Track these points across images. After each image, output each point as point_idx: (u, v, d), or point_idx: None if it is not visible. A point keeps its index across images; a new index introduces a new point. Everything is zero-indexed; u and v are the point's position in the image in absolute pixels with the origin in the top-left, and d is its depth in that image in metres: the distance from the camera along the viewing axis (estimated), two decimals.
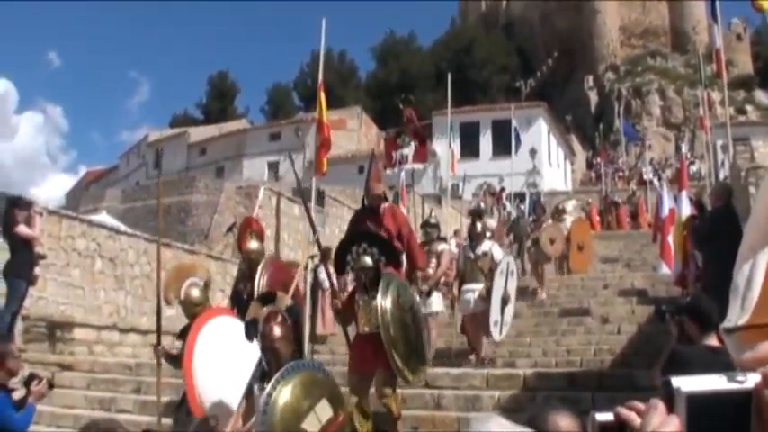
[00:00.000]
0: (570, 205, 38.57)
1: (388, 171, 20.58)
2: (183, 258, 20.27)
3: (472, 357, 14.38)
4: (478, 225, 15.46)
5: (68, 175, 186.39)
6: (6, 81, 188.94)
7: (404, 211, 21.48)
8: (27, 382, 8.32)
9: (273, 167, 61.23)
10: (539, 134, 57.21)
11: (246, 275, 11.58)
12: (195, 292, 9.90)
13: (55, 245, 16.65)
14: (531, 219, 25.22)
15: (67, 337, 14.84)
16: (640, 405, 1.44)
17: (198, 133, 69.95)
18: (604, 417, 1.41)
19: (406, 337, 8.98)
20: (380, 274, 9.19)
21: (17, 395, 8.16)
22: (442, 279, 15.32)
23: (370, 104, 75.37)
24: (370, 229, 11.42)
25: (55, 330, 14.90)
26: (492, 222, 23.25)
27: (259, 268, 11.04)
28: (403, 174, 23.47)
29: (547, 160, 57.86)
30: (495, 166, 50.44)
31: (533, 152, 54.40)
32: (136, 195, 44.02)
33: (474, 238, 15.23)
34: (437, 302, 14.87)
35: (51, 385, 8.52)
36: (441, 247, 15.49)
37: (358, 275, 9.51)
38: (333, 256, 10.11)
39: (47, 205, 17.72)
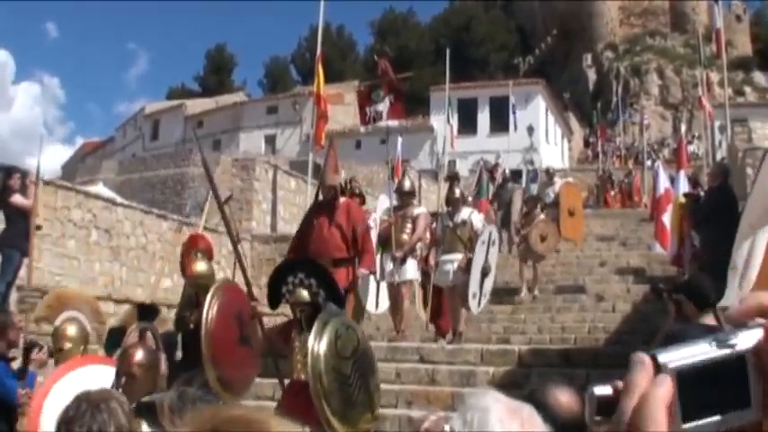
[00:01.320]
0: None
1: (362, 128, 19.85)
2: (180, 230, 20.26)
3: (442, 340, 13.75)
4: (456, 190, 14.75)
5: (65, 147, 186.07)
6: (3, 51, 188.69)
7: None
8: (27, 351, 8.33)
9: (270, 140, 61.15)
10: (536, 111, 57.07)
11: (194, 301, 9.44)
12: (71, 331, 8.50)
13: (50, 215, 16.59)
14: (520, 185, 24.81)
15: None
16: None
17: (195, 106, 69.75)
18: (603, 391, 1.38)
19: (342, 390, 7.20)
20: (320, 310, 7.57)
21: (15, 365, 8.18)
22: (419, 245, 14.24)
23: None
24: (323, 230, 11.07)
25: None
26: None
27: (209, 295, 8.61)
28: (399, 146, 23.43)
29: (544, 138, 57.78)
30: (493, 142, 50.25)
31: (531, 129, 54.27)
32: (132, 167, 43.91)
33: (452, 203, 14.42)
34: (412, 270, 13.89)
35: (51, 353, 8.52)
36: (416, 210, 14.45)
37: (293, 310, 8.07)
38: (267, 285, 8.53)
39: (43, 176, 17.65)
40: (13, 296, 14.17)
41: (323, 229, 11.01)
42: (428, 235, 14.73)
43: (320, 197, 11.91)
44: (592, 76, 76.32)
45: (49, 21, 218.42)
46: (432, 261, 14.75)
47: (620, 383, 1.35)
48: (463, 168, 49.65)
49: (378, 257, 13.61)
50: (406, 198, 14.42)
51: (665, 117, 69.47)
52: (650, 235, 20.16)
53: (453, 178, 17.51)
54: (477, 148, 51.07)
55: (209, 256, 10.53)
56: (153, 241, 19.31)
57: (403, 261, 13.67)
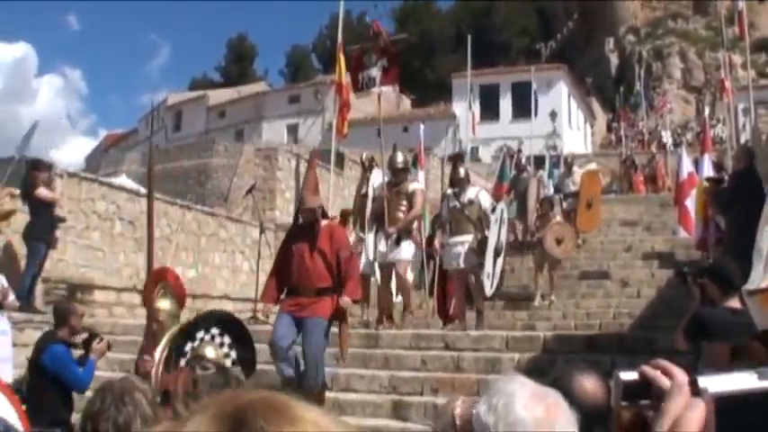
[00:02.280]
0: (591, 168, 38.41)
1: (353, 96, 18.41)
2: (203, 221, 20.32)
3: (453, 325, 13.38)
4: (461, 170, 14.20)
5: (88, 139, 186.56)
6: (26, 45, 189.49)
7: (420, 176, 20.99)
8: (88, 342, 8.52)
9: (293, 130, 61.16)
10: (559, 96, 56.90)
11: (151, 335, 8.34)
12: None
13: (75, 207, 16.67)
14: (536, 174, 24.31)
15: (88, 299, 14.88)
16: (666, 363, 1.41)
17: (217, 96, 69.79)
18: (629, 376, 1.38)
19: None
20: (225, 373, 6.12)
21: (76, 354, 8.43)
22: (414, 225, 13.82)
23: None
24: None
25: (75, 293, 14.94)
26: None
27: (164, 340, 7.50)
28: (421, 133, 23.36)
29: (567, 123, 57.60)
30: (515, 128, 50.21)
31: (553, 115, 54.15)
32: (155, 158, 44.03)
33: (457, 183, 13.90)
34: (407, 250, 13.30)
35: (110, 345, 8.76)
36: (412, 186, 13.72)
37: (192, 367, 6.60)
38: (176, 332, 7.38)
39: (66, 168, 17.72)
40: (39, 288, 14.27)
41: (304, 258, 9.79)
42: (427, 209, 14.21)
43: (300, 220, 10.44)
44: (614, 60, 75.98)
45: (69, 14, 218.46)
46: (437, 244, 14.36)
47: (647, 369, 1.35)
48: (486, 155, 49.68)
49: (371, 236, 13.48)
50: (400, 174, 13.80)
51: (689, 100, 69.10)
52: (674, 219, 20.07)
53: (457, 158, 16.73)
54: (500, 134, 51.03)
55: (177, 296, 8.81)
56: (177, 232, 19.36)
57: (398, 240, 13.17)
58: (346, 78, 17.40)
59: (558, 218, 18.30)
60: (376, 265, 13.72)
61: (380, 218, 13.37)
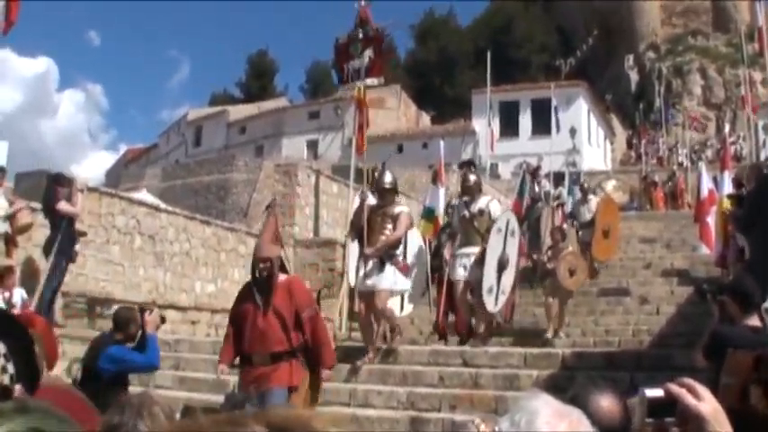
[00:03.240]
0: (610, 185, 38.30)
1: (340, 90, 17.24)
2: (223, 236, 20.38)
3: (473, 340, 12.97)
4: (471, 177, 13.61)
5: (109, 153, 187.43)
6: (47, 59, 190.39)
7: (440, 192, 20.62)
8: (139, 314, 8.39)
9: (312, 146, 61.31)
10: (578, 113, 56.88)
11: None
12: None
13: (95, 222, 16.73)
14: (549, 204, 23.43)
15: (107, 313, 14.85)
16: (691, 382, 1.41)
17: (237, 111, 70.04)
18: (654, 393, 1.38)
19: None
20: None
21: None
22: (400, 249, 12.28)
23: (410, 83, 75.08)
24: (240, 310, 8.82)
25: (95, 306, 14.99)
26: None
27: None
28: (441, 150, 23.30)
29: (587, 139, 57.56)
30: (535, 145, 50.13)
31: (573, 131, 54.11)
32: (175, 173, 44.14)
33: (467, 192, 13.36)
34: (388, 278, 11.79)
35: (163, 318, 8.64)
36: (398, 209, 12.24)
37: None
38: None
39: (87, 183, 17.79)
40: (58, 302, 14.30)
41: (257, 317, 8.53)
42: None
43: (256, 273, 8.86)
44: (634, 76, 75.86)
45: (91, 29, 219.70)
46: (446, 254, 14.00)
47: (672, 386, 1.35)
48: (505, 171, 49.66)
49: (353, 260, 12.63)
50: (386, 196, 12.34)
51: (708, 117, 68.90)
52: (694, 236, 20.01)
53: (467, 164, 15.40)
54: (520, 150, 51.07)
55: (46, 353, 7.27)
56: (196, 247, 19.41)
57: (382, 265, 11.74)
58: (365, 94, 17.39)
59: (571, 248, 17.36)
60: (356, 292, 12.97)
61: (363, 240, 12.24)
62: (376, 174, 14.40)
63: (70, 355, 13.32)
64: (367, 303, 12.04)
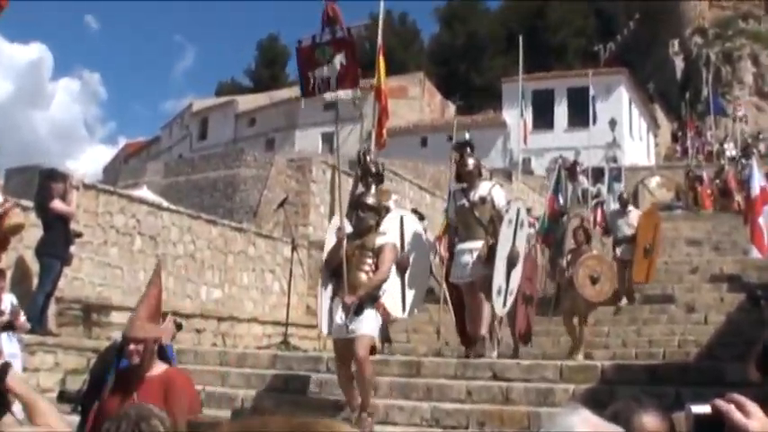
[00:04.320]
0: (654, 182, 38.16)
1: (303, 104, 14.75)
2: (230, 237, 20.36)
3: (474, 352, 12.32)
4: (469, 161, 12.64)
5: (107, 147, 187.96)
6: (41, 45, 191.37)
7: None
8: None
9: (328, 139, 61.31)
10: (619, 103, 56.66)
11: None
12: None
13: (91, 221, 16.74)
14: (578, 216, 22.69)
15: (104, 320, 14.92)
16: (740, 398, 1.39)
17: (246, 102, 70.07)
18: (701, 409, 1.37)
19: None
20: None
21: None
22: (383, 290, 10.60)
23: (434, 70, 74.98)
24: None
25: (91, 313, 14.99)
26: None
27: None
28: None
29: (628, 132, 57.32)
30: (571, 138, 50.03)
31: (613, 123, 53.86)
32: (179, 169, 44.11)
33: (465, 178, 12.56)
34: (370, 323, 10.24)
35: (179, 325, 8.68)
36: (379, 241, 10.63)
37: None
38: None
39: (83, 179, 17.82)
40: (52, 308, 14.33)
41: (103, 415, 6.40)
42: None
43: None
44: (679, 63, 75.51)
45: (88, 13, 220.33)
46: (443, 251, 13.52)
47: (720, 403, 1.33)
48: (539, 167, 49.56)
49: (326, 302, 11.03)
50: (366, 218, 10.84)
51: (761, 108, 68.59)
52: (745, 238, 19.91)
53: (463, 146, 13.52)
54: (554, 144, 51.02)
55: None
56: (202, 248, 19.39)
57: (359, 309, 10.17)
58: (386, 83, 17.31)
59: (594, 251, 15.74)
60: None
61: (339, 277, 10.67)
62: (368, 158, 14.33)
63: (64, 367, 13.39)
64: (344, 353, 10.45)
